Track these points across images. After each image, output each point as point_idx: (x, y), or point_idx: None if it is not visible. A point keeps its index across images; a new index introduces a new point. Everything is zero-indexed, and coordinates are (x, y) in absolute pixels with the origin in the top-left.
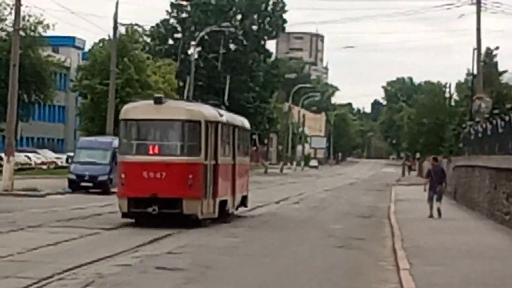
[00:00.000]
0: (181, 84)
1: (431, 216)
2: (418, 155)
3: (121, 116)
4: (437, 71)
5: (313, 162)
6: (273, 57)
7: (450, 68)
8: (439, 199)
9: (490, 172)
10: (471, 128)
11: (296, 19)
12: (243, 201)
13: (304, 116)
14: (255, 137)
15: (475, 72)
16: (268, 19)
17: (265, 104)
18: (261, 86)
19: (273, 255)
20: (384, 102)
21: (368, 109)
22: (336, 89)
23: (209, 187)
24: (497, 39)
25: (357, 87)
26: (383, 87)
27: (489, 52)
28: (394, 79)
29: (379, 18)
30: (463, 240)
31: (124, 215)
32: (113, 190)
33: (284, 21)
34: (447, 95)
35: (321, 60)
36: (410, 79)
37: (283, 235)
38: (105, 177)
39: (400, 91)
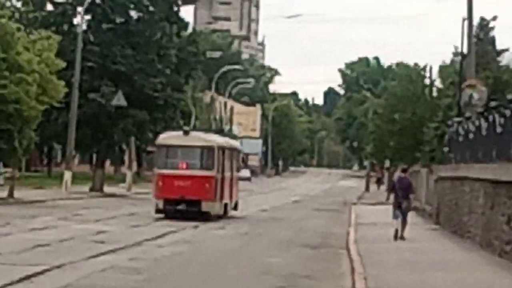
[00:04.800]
0: (64, 65)
1: (398, 237)
2: (387, 163)
3: (158, 142)
4: (413, 49)
5: (245, 173)
6: (190, 29)
7: (430, 46)
8: (404, 218)
9: (485, 186)
10: (460, 126)
11: None
12: (235, 206)
13: (232, 109)
14: (244, 156)
15: (465, 51)
16: None
17: (179, 93)
18: (173, 68)
19: None
20: (342, 91)
21: (319, 101)
22: (276, 73)
23: (218, 193)
24: (494, 7)
25: (305, 70)
26: (340, 70)
27: (484, 24)
28: (355, 59)
29: None
30: (448, 279)
31: (158, 211)
32: None
33: None
34: (427, 82)
35: (256, 33)
36: (377, 59)
37: (201, 274)
38: None
39: (363, 76)
